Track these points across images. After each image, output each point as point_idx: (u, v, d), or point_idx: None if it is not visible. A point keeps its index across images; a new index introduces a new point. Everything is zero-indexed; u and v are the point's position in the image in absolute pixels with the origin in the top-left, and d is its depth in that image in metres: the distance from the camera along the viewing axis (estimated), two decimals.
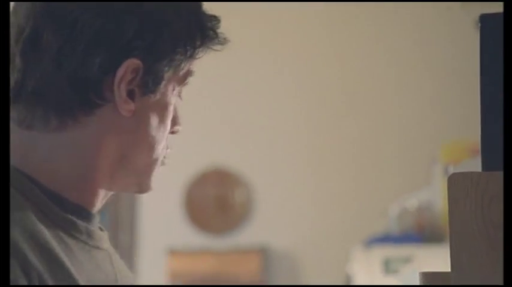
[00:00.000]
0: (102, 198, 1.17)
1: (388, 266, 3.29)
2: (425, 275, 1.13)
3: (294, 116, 4.49)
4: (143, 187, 1.21)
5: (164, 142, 1.19)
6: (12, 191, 1.08)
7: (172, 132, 1.21)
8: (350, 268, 3.44)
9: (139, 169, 1.18)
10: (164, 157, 1.22)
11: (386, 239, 3.40)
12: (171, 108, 1.17)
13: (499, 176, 1.05)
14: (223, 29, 1.18)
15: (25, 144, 1.12)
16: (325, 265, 4.34)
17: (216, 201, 4.54)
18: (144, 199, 4.55)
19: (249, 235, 4.46)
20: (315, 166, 4.45)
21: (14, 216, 1.05)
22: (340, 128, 4.46)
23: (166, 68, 1.13)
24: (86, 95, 1.10)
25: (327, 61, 4.48)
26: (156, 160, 1.19)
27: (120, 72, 1.10)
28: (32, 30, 1.09)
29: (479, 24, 1.13)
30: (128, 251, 4.52)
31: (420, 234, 3.38)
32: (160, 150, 1.19)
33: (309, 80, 4.49)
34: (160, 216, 4.55)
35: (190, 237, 4.49)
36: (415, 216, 3.43)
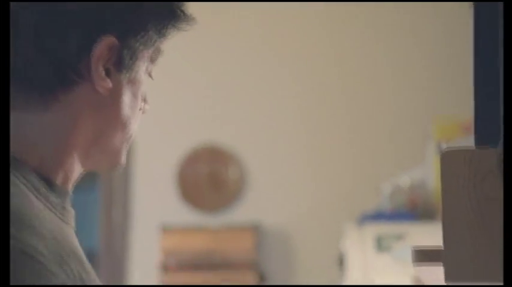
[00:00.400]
0: (76, 176, 1.20)
1: (380, 244, 3.30)
2: (417, 251, 1.13)
3: (287, 94, 4.49)
4: (115, 163, 1.23)
5: (136, 120, 1.21)
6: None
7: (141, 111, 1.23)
8: (343, 245, 3.45)
9: (113, 146, 1.20)
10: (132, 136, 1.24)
11: (378, 216, 3.41)
12: (142, 86, 1.20)
13: (491, 152, 1.06)
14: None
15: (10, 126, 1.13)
16: (318, 242, 4.36)
17: (209, 178, 4.54)
18: (138, 176, 4.55)
19: (242, 213, 4.47)
20: (308, 144, 4.46)
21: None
22: (333, 106, 4.46)
23: (139, 45, 1.16)
24: (64, 73, 1.13)
25: (319, 38, 4.48)
26: (130, 137, 1.22)
27: (97, 49, 1.13)
28: (11, 11, 1.11)
29: (473, 5, 1.13)
30: (121, 229, 4.53)
31: (413, 211, 3.39)
32: (133, 127, 1.21)
33: (302, 57, 4.49)
34: (153, 193, 4.55)
35: (183, 214, 4.50)
36: (408, 193, 3.44)
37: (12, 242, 1.02)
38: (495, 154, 1.07)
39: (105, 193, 4.55)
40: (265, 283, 4.35)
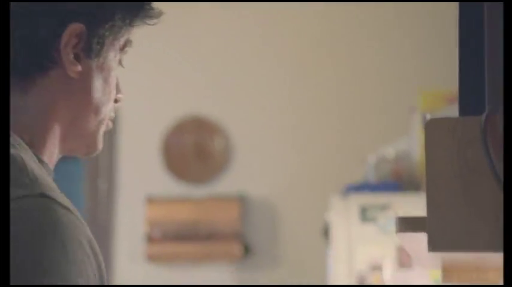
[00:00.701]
0: (55, 160, 1.28)
1: (365, 214, 3.32)
2: (400, 219, 1.13)
3: (273, 66, 4.48)
4: (91, 148, 1.31)
5: (110, 105, 1.29)
6: None
7: (115, 101, 1.31)
8: (328, 216, 3.47)
9: (88, 130, 1.28)
10: (110, 121, 1.32)
11: (363, 187, 3.42)
12: (113, 73, 1.28)
13: (475, 120, 1.06)
14: None
15: None
16: (303, 212, 4.37)
17: (194, 149, 4.54)
18: (123, 146, 4.55)
19: (227, 183, 4.48)
20: (293, 115, 4.46)
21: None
22: (319, 77, 4.46)
23: (107, 33, 1.25)
24: (39, 59, 1.22)
25: (306, 11, 4.46)
26: (102, 121, 1.29)
27: (65, 35, 1.22)
28: None
29: None
30: (106, 199, 4.53)
31: (397, 182, 3.40)
32: (106, 112, 1.29)
33: (287, 29, 4.47)
34: (138, 164, 4.55)
35: (169, 185, 4.50)
36: (393, 165, 3.45)
37: (36, 190, 1.12)
38: (479, 122, 1.07)
39: (90, 164, 4.55)
40: (249, 254, 4.37)
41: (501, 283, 1.45)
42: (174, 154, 4.53)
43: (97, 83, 1.26)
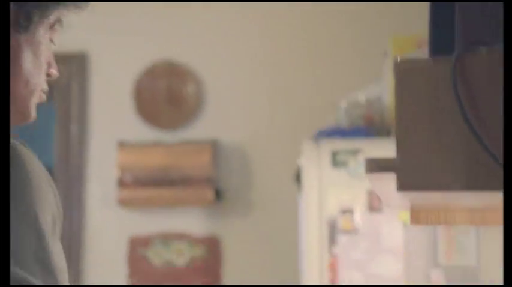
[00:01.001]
0: None
1: (336, 159, 3.33)
2: (370, 161, 1.14)
3: (246, 10, 4.45)
4: (25, 115, 1.42)
5: (40, 78, 1.42)
6: None
7: (48, 75, 1.44)
8: (300, 161, 3.48)
9: (18, 99, 1.40)
10: (43, 92, 1.44)
11: (335, 132, 3.43)
12: (42, 47, 1.41)
13: (445, 61, 1.06)
14: None
15: None
16: (275, 158, 4.39)
17: (166, 94, 4.52)
18: (95, 91, 4.52)
19: (200, 129, 4.47)
20: (265, 60, 4.44)
21: None
22: (291, 22, 4.44)
23: (35, 10, 1.37)
24: None
25: None
26: (33, 91, 1.41)
27: None
28: None
29: None
30: (78, 144, 4.51)
31: (369, 127, 3.41)
32: (37, 84, 1.41)
33: None
34: (110, 109, 4.53)
35: (141, 131, 4.49)
36: (364, 110, 3.46)
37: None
38: (449, 63, 1.07)
39: (62, 109, 4.52)
40: (221, 199, 4.39)
41: (468, 223, 1.47)
42: (146, 99, 4.51)
43: (25, 56, 1.38)
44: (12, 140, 1.31)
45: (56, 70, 1.45)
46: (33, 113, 1.42)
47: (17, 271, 1.21)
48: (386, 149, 3.07)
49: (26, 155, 1.31)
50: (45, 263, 1.25)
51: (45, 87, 1.43)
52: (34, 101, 1.42)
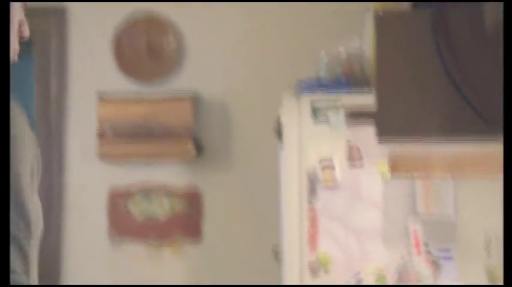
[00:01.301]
0: None
1: (316, 112, 3.34)
2: (349, 112, 1.15)
3: None
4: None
5: (11, 38, 1.49)
6: None
7: (20, 36, 1.52)
8: (280, 115, 3.49)
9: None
10: (15, 52, 1.51)
11: (316, 86, 3.43)
12: (15, 8, 1.47)
13: (425, 13, 1.06)
14: None
15: None
16: (256, 111, 4.39)
17: (146, 47, 4.49)
18: (74, 44, 4.49)
19: (180, 82, 4.46)
20: (247, 12, 4.42)
21: None
22: None
23: None
24: None
25: None
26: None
27: None
28: None
29: None
30: (58, 98, 4.49)
31: (349, 81, 3.42)
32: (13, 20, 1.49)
33: None
34: (90, 62, 4.50)
35: (121, 84, 4.47)
36: (346, 63, 3.46)
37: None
38: (429, 15, 1.08)
39: (41, 62, 4.49)
40: (202, 153, 4.39)
41: (445, 175, 1.48)
42: (126, 52, 4.49)
43: None
44: None
45: (27, 30, 1.52)
46: (13, 57, 1.45)
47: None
48: (366, 102, 3.07)
49: (12, 110, 1.35)
50: (24, 217, 1.25)
51: (16, 47, 1.49)
52: (14, 38, 1.47)
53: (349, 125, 1.09)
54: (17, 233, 1.22)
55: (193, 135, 4.34)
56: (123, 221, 4.42)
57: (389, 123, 1.03)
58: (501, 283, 2.12)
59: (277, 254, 3.75)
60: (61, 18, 4.47)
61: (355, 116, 1.11)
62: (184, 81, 4.45)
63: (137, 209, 4.43)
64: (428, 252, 3.26)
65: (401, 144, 1.09)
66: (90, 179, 4.44)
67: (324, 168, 3.33)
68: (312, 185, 3.33)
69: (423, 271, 3.26)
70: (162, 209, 4.42)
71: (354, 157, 3.31)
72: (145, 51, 4.49)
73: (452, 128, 1.01)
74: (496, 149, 1.20)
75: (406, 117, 1.03)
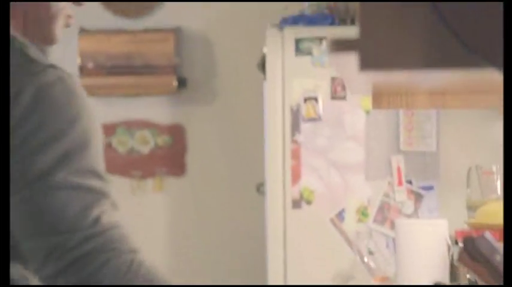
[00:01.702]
0: None
1: (300, 46, 3.32)
2: (332, 40, 1.14)
3: None
4: (48, 39, 1.56)
5: (61, 4, 1.56)
6: None
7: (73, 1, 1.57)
8: (264, 49, 3.47)
9: (40, 22, 1.53)
10: (69, 18, 1.59)
11: (299, 20, 3.41)
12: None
13: None
14: None
15: None
16: (239, 45, 4.36)
17: None
18: None
19: (163, 16, 4.42)
20: None
21: None
22: None
23: None
24: None
25: None
26: (54, 15, 1.55)
27: None
28: None
29: None
30: None
31: (333, 15, 3.40)
32: (58, 9, 1.55)
33: None
34: None
35: (103, 17, 4.42)
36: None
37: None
38: None
39: None
40: (185, 87, 4.37)
41: (428, 107, 1.48)
42: None
43: None
44: (62, 71, 1.44)
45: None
46: (56, 38, 1.54)
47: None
48: (350, 34, 3.06)
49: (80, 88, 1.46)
50: None
51: (69, 12, 1.56)
52: (58, 25, 1.54)
53: (332, 53, 1.08)
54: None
55: (176, 69, 4.32)
56: (106, 156, 4.40)
57: (372, 53, 1.02)
58: (478, 212, 2.15)
59: (259, 187, 3.77)
60: None
61: (338, 44, 1.10)
62: (167, 15, 4.41)
63: (120, 143, 4.42)
64: (410, 182, 3.29)
65: (384, 74, 1.09)
66: None
67: (307, 102, 3.33)
68: (295, 118, 3.33)
69: (404, 201, 3.28)
70: (145, 143, 4.42)
71: (337, 92, 3.31)
72: None
73: (437, 58, 1.00)
74: (480, 79, 1.20)
75: (388, 47, 1.02)
